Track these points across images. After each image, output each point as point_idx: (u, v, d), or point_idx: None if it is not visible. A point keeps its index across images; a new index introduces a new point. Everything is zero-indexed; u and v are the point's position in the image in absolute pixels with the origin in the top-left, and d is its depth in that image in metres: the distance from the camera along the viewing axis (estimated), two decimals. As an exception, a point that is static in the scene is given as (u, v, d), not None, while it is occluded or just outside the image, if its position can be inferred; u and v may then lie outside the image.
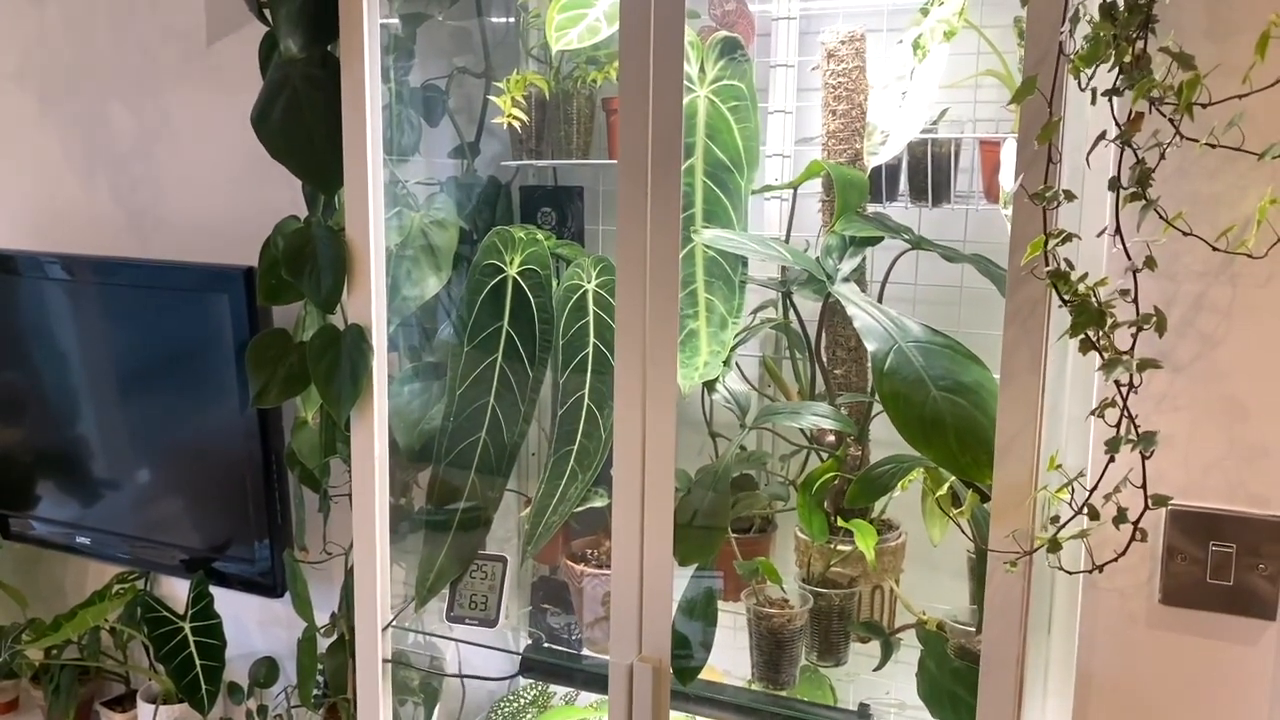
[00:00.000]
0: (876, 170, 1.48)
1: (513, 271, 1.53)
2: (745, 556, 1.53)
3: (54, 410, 2.25)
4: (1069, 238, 0.99)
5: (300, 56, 1.42)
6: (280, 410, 1.93)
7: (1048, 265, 1.00)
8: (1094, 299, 0.98)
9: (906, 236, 1.43)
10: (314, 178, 1.49)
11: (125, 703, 2.35)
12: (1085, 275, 1.00)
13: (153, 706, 2.20)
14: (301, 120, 1.45)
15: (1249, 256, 1.11)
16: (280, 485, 1.93)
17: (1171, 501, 1.21)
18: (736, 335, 1.49)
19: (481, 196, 1.76)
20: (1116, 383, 1.01)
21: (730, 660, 1.56)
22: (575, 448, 1.47)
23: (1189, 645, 1.24)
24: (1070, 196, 1.00)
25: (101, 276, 2.13)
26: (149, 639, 2.02)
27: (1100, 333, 1.00)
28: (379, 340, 1.48)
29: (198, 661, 2.01)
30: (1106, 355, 1.00)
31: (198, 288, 2.00)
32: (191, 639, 2.03)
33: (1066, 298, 0.99)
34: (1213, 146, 1.09)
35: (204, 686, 2.00)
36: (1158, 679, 1.26)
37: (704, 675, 1.58)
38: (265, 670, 2.21)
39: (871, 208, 1.51)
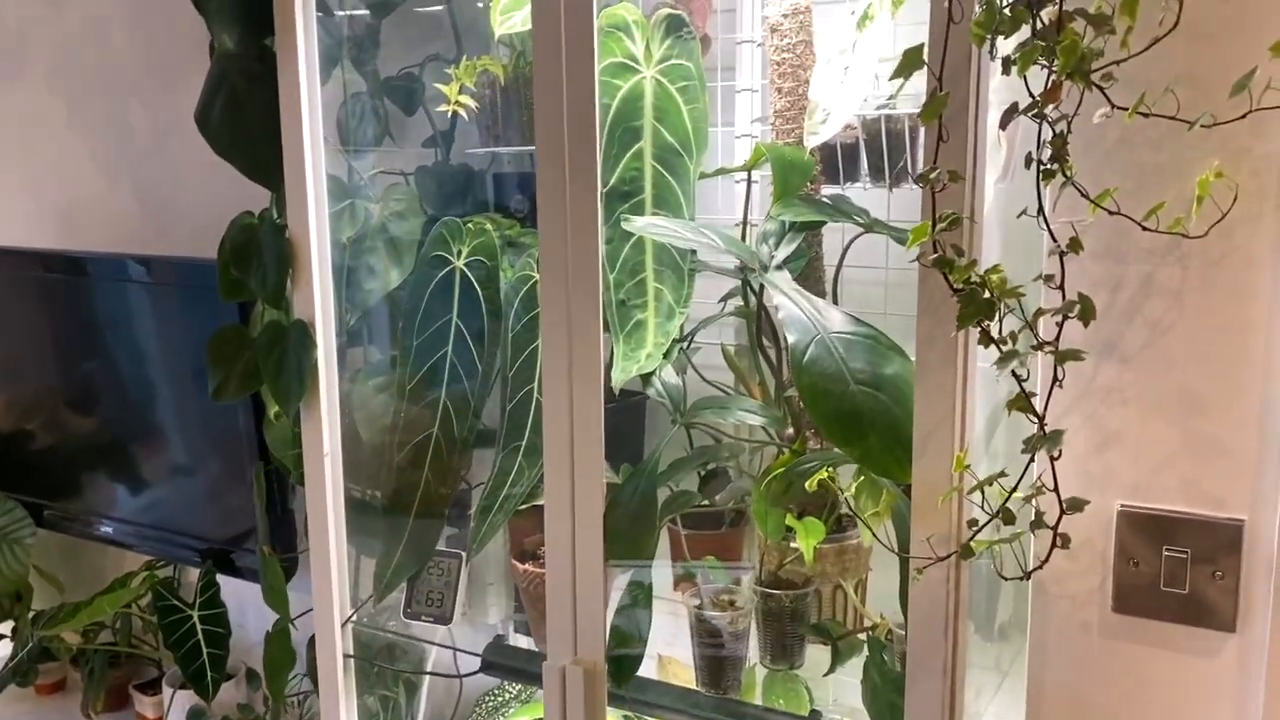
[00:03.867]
0: (833, 150, 1.40)
1: (460, 263, 1.50)
2: (719, 553, 1.48)
3: (80, 404, 2.32)
4: (956, 221, 0.91)
5: (236, 51, 1.41)
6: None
7: (935, 252, 0.92)
8: (985, 288, 0.90)
9: (859, 219, 1.35)
10: (259, 174, 1.48)
11: (157, 686, 2.41)
12: (974, 262, 0.92)
13: (172, 690, 2.25)
14: (242, 117, 1.45)
15: (1184, 236, 1.01)
16: (273, 481, 1.94)
17: (1121, 503, 1.13)
18: (688, 325, 1.43)
19: (453, 186, 1.74)
20: (1015, 375, 0.93)
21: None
22: (524, 443, 1.43)
23: (1145, 656, 1.15)
24: (955, 178, 0.92)
25: (115, 273, 2.18)
26: (159, 627, 2.06)
27: (997, 324, 0.92)
28: (324, 335, 1.47)
29: (204, 649, 2.05)
30: (1004, 349, 0.92)
31: (205, 284, 2.03)
32: (199, 627, 2.07)
33: (957, 286, 0.92)
34: (1144, 115, 0.99)
35: (209, 674, 2.04)
36: (1113, 691, 1.17)
37: (666, 670, 1.54)
38: (281, 658, 2.25)
39: (830, 189, 1.44)
